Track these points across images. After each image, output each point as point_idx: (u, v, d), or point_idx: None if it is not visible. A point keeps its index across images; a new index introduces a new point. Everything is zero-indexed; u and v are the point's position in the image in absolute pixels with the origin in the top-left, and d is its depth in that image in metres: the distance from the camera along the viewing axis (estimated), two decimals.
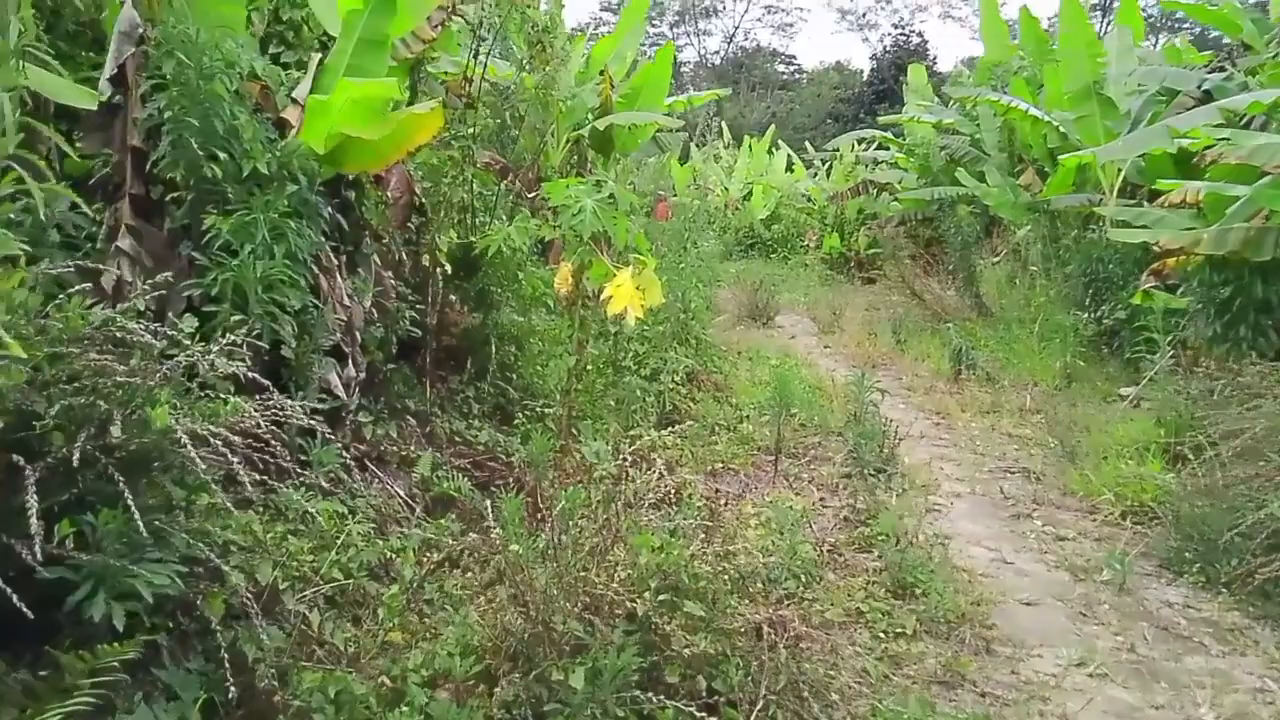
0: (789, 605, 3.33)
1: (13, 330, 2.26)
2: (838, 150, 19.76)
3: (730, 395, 7.48)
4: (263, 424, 2.70)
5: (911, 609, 3.91)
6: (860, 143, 19.43)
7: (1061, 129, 10.28)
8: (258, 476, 2.79)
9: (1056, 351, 8.73)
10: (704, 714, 2.58)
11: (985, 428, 7.09)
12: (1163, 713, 3.34)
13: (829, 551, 4.42)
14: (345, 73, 4.09)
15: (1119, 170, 9.60)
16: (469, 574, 3.82)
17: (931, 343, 9.97)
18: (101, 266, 3.18)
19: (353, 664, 2.93)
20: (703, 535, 3.45)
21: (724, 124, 27.20)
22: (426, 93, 5.55)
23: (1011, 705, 3.33)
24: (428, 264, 5.48)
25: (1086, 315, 8.96)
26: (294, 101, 4.03)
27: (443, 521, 4.23)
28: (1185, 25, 31.38)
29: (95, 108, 3.52)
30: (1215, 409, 5.14)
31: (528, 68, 5.72)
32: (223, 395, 2.86)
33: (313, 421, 3.16)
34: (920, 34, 42.69)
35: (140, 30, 3.75)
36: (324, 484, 3.73)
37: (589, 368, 5.48)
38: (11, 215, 2.82)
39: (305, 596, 3.06)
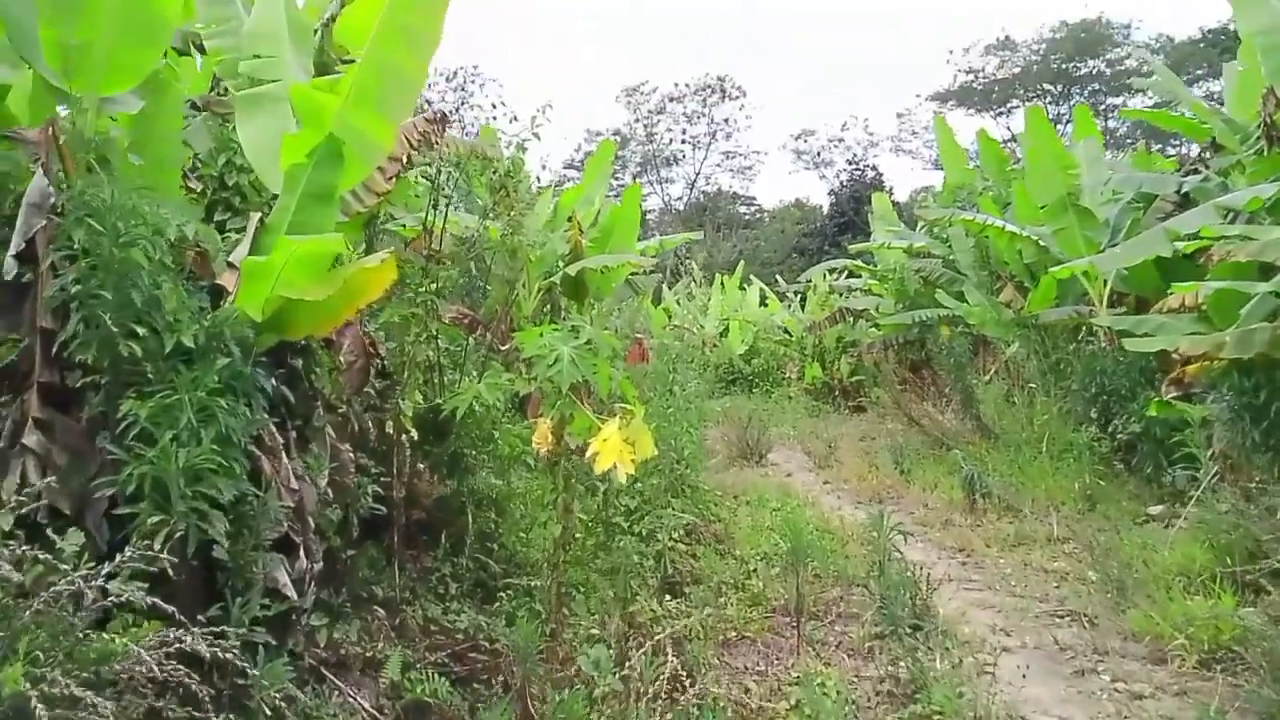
0: None
1: None
2: (810, 281, 19.85)
3: (733, 546, 6.85)
4: (157, 668, 2.08)
5: None
6: (831, 272, 19.55)
7: (1041, 242, 10.18)
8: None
9: (1072, 471, 8.22)
10: None
11: (1017, 563, 6.45)
12: None
13: None
14: (289, 230, 3.70)
15: (1105, 281, 9.41)
16: None
17: (937, 470, 9.44)
18: None
19: None
20: None
21: (694, 263, 27.62)
22: (384, 249, 5.19)
23: None
24: (392, 431, 4.96)
25: (1097, 430, 8.51)
26: (231, 266, 3.61)
27: None
28: (1129, 142, 32.92)
29: None
30: None
31: (492, 215, 5.41)
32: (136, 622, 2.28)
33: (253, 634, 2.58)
34: (874, 168, 44.52)
35: (53, 200, 3.35)
36: (269, 710, 3.09)
37: (576, 535, 4.89)
38: None
39: None
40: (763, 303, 22.69)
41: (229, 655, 2.62)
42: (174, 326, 3.18)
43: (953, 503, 8.28)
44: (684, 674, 4.34)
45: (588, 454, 4.10)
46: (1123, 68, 40.23)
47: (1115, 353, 8.61)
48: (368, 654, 4.21)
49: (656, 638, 4.47)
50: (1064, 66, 41.89)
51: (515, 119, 7.73)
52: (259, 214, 3.79)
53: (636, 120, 49.47)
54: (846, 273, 19.40)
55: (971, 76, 44.33)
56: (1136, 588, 5.43)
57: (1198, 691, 4.23)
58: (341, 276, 3.21)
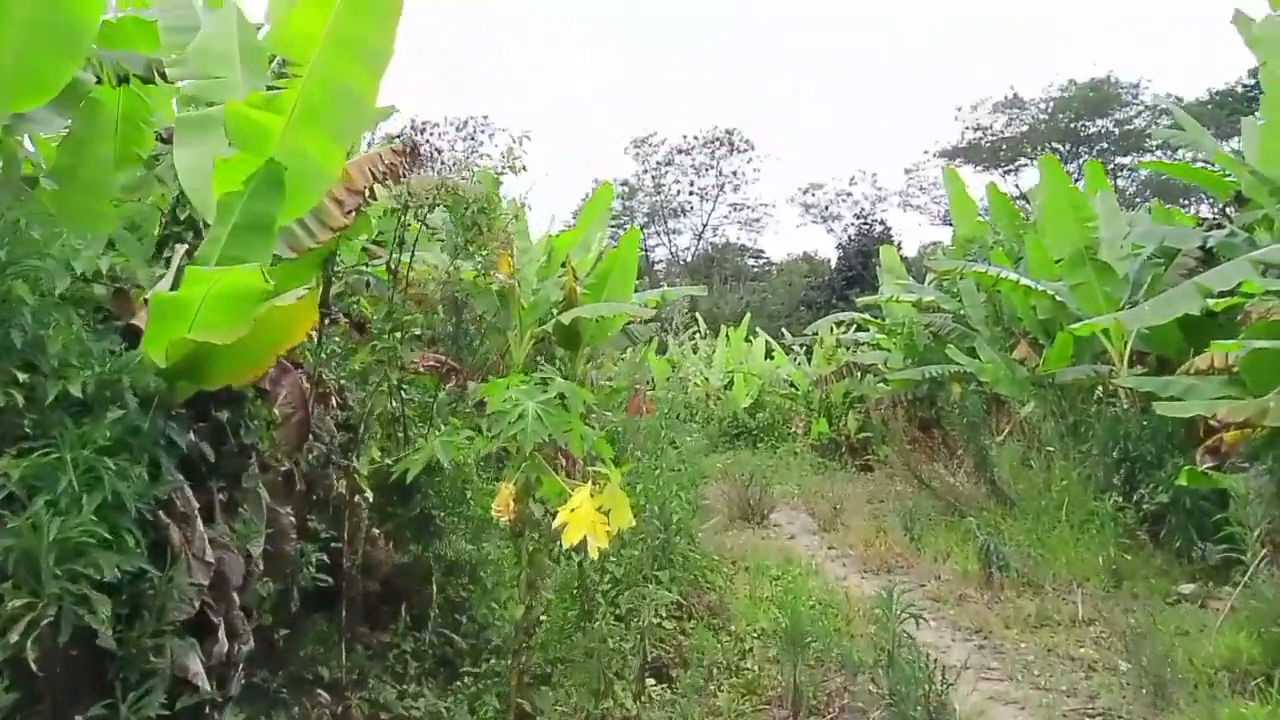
0: None
1: None
2: (817, 335, 19.38)
3: (728, 620, 6.27)
4: None
5: None
6: (839, 325, 19.09)
7: (1058, 297, 9.71)
8: None
9: (1095, 543, 7.62)
10: None
11: (1040, 649, 5.85)
12: None
13: None
14: (218, 264, 3.26)
15: (1126, 339, 8.92)
16: None
17: (950, 538, 8.83)
18: None
19: None
20: None
21: (698, 315, 27.27)
22: (347, 292, 4.77)
23: None
24: (345, 492, 4.47)
25: (1120, 499, 7.93)
26: (148, 304, 3.17)
27: None
28: (1139, 201, 32.67)
29: None
30: None
31: (463, 255, 4.99)
32: None
33: None
34: (883, 221, 44.45)
35: None
36: None
37: (543, 617, 4.36)
38: None
39: None
40: (769, 355, 22.21)
41: None
42: (59, 372, 2.72)
43: (967, 575, 7.67)
44: None
45: (555, 524, 3.61)
46: (1131, 127, 40.26)
47: (1139, 416, 8.08)
48: None
49: None
50: (1072, 125, 41.93)
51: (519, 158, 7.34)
52: (184, 246, 3.35)
53: (644, 171, 49.76)
54: (854, 326, 18.96)
55: (980, 134, 44.42)
56: (1176, 683, 4.84)
57: None
58: (252, 316, 2.75)
